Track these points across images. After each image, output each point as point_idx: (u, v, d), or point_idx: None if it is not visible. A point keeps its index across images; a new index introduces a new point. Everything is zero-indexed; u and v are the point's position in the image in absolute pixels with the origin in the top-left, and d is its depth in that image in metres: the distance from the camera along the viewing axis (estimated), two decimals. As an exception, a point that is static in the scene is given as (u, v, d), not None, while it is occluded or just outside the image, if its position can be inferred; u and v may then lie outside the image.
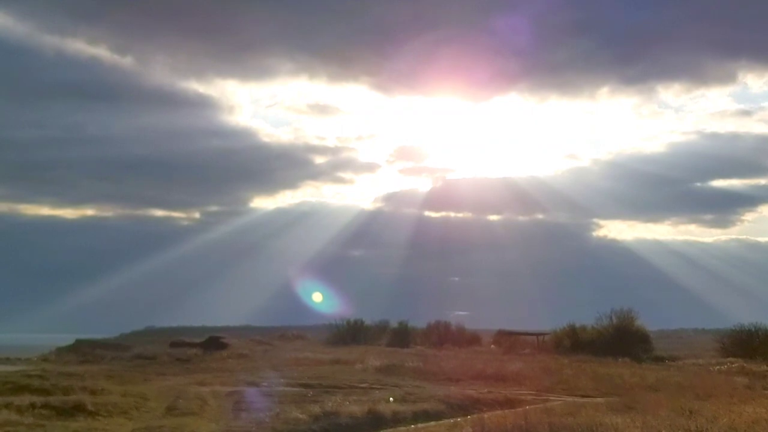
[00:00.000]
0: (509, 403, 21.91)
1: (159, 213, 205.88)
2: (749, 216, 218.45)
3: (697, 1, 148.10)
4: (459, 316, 69.35)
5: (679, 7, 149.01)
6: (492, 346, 57.01)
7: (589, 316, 55.58)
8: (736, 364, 39.26)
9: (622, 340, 49.25)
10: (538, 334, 57.04)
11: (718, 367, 38.72)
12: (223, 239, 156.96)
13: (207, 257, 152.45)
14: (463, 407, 20.38)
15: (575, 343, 51.70)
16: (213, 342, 49.70)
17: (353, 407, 17.97)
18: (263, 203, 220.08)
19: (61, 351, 44.77)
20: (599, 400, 23.66)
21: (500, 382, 27.37)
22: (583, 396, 25.16)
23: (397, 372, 29.29)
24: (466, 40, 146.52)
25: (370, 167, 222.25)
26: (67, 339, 55.78)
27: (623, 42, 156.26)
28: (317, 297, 70.09)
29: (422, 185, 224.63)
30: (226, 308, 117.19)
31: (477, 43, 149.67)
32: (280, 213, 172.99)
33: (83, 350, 40.84)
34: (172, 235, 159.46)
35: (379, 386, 24.65)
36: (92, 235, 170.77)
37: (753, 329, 48.60)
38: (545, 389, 26.21)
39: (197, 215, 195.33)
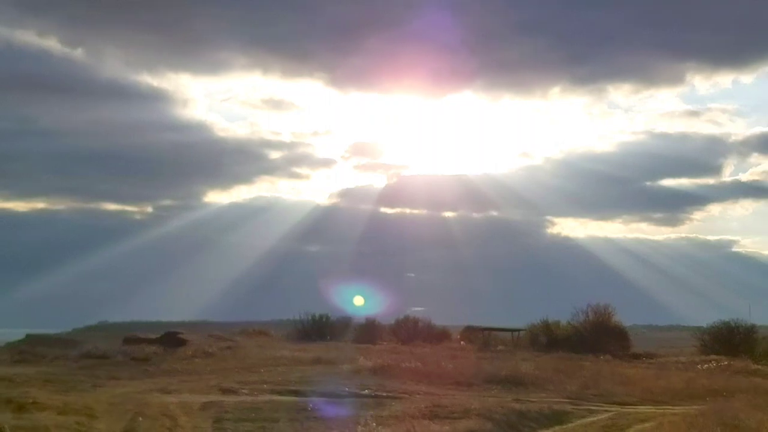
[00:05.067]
0: (556, 416, 16.69)
1: (111, 207, 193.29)
2: (698, 215, 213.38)
3: (647, 2, 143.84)
4: (415, 312, 62.97)
5: (630, 8, 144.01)
6: (461, 342, 51.80)
7: (544, 312, 51.74)
8: (725, 362, 35.13)
9: (600, 337, 45.05)
10: (512, 330, 52.08)
11: (706, 365, 34.58)
12: (176, 233, 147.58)
13: (160, 251, 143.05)
14: (512, 424, 15.00)
15: (551, 339, 47.23)
16: (170, 338, 43.25)
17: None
18: (217, 198, 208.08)
19: (11, 346, 37.71)
20: (653, 410, 18.72)
21: (519, 387, 22.08)
22: (623, 404, 20.12)
23: (395, 374, 23.50)
24: (421, 38, 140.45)
25: (325, 163, 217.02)
26: (18, 334, 49.02)
27: (574, 42, 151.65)
28: (358, 300, 62.27)
29: (377, 181, 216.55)
30: (180, 303, 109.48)
31: (431, 41, 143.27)
32: (234, 208, 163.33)
33: (20, 348, 33.58)
34: (125, 228, 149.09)
35: (385, 393, 19.02)
36: (44, 228, 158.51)
37: (733, 325, 44.99)
38: (574, 395, 21.06)
39: (150, 209, 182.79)
